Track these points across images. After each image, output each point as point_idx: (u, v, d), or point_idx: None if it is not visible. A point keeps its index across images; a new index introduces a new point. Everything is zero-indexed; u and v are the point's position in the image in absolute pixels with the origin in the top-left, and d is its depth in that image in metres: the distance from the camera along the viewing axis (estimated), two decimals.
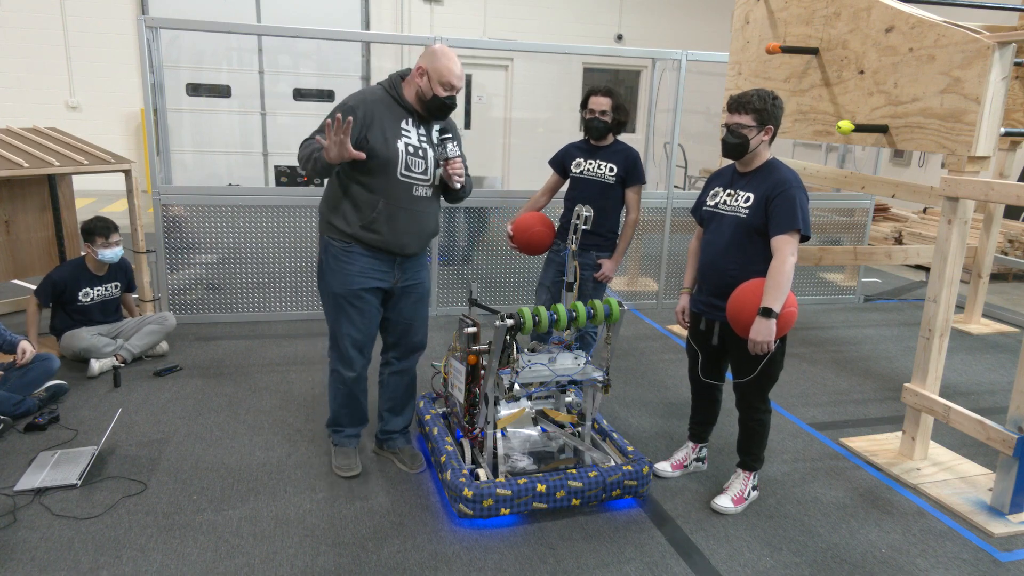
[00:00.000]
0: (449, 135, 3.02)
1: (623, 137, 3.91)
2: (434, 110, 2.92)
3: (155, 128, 4.82)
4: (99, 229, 4.14)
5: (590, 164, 3.80)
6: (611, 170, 3.75)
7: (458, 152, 2.98)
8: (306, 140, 2.89)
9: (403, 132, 2.90)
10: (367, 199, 2.89)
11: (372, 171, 2.87)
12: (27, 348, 3.56)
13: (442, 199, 3.15)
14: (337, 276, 2.97)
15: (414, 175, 2.93)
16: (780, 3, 4.24)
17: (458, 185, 3.00)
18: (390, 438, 3.34)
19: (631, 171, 3.76)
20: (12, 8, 9.88)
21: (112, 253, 4.18)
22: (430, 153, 2.97)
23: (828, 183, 5.43)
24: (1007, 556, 2.81)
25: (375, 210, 2.89)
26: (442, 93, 2.87)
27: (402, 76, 2.97)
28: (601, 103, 3.68)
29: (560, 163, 3.94)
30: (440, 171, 2.98)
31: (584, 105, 3.75)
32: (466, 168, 3.07)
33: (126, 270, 4.45)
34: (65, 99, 10.39)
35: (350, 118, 2.67)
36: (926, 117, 3.24)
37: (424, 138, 2.97)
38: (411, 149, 2.91)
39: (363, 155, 2.78)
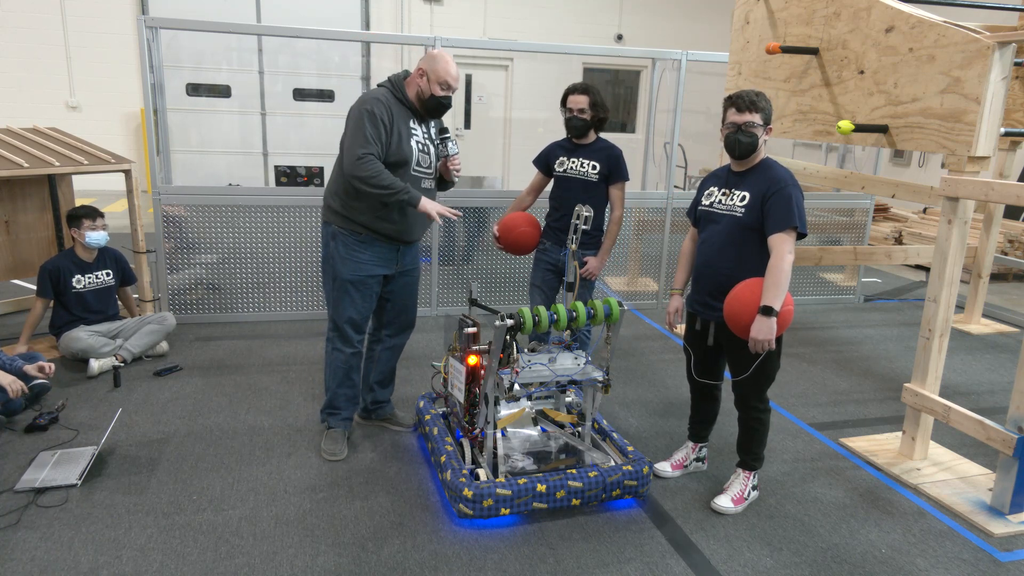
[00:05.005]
0: (447, 134, 3.28)
1: (617, 137, 3.91)
2: (432, 108, 3.17)
3: (155, 128, 4.82)
4: (85, 212, 4.24)
5: (573, 163, 3.80)
6: (594, 168, 3.75)
7: (457, 150, 3.28)
8: (371, 156, 2.94)
9: (412, 131, 3.14)
10: None
11: (391, 168, 3.07)
12: (43, 364, 3.60)
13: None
14: (348, 264, 3.17)
15: (422, 170, 3.19)
16: (780, 3, 4.24)
17: (456, 179, 3.33)
18: (380, 407, 3.62)
19: (614, 169, 3.76)
20: (12, 8, 9.87)
21: (98, 235, 4.25)
22: (432, 149, 3.23)
23: (828, 183, 5.43)
24: (1007, 556, 2.81)
25: (390, 203, 3.09)
26: (440, 92, 3.11)
27: (403, 78, 3.18)
28: (579, 101, 3.69)
29: (544, 162, 3.95)
30: (439, 165, 3.29)
31: (563, 104, 3.78)
32: None
33: (118, 259, 4.46)
34: (65, 99, 10.39)
35: (459, 213, 3.15)
36: (926, 117, 3.24)
37: (427, 135, 3.23)
38: (421, 147, 3.17)
39: (459, 214, 3.16)
